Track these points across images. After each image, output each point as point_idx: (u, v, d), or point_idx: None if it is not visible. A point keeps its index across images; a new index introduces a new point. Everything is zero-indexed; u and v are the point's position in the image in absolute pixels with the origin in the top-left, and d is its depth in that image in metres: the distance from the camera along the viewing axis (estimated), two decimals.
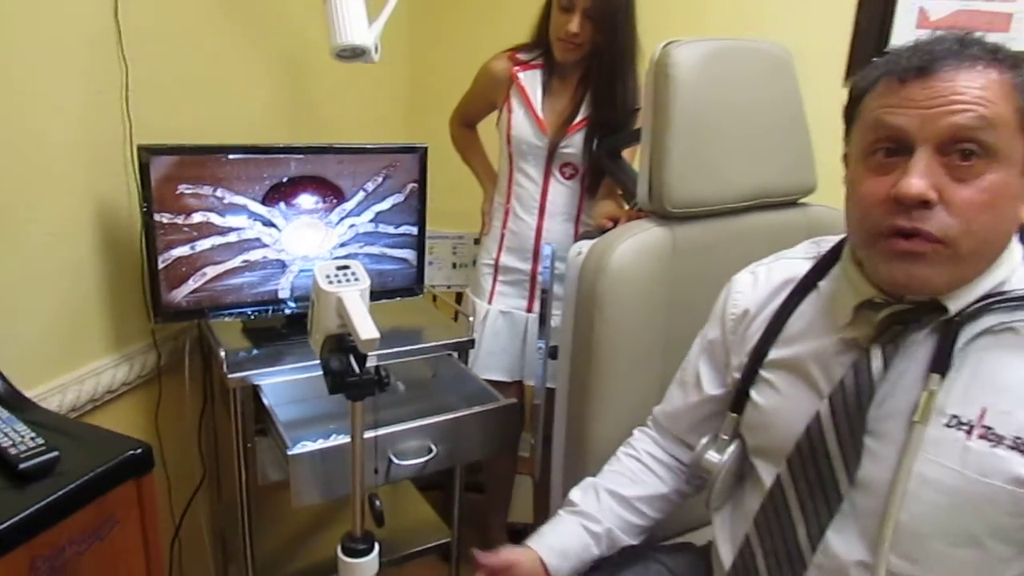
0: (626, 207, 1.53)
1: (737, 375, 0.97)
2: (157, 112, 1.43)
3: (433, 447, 1.32)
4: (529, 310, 1.79)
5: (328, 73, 1.91)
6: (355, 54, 1.28)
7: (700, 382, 1.04)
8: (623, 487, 1.07)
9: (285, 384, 1.38)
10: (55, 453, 0.84)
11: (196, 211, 1.37)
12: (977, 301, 0.79)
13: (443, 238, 2.06)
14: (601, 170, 1.67)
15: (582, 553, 1.03)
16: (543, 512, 1.66)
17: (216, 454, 1.67)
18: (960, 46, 0.75)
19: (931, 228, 0.74)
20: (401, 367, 1.56)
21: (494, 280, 1.82)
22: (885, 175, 0.77)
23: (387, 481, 1.29)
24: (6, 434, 0.86)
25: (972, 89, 0.73)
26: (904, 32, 2.06)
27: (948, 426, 0.78)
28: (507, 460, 1.98)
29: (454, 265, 2.09)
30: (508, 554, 1.01)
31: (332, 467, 1.22)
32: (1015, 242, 0.81)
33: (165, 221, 1.34)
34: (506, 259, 1.80)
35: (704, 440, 0.99)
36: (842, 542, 0.84)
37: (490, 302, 1.81)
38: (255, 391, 1.35)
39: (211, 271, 1.42)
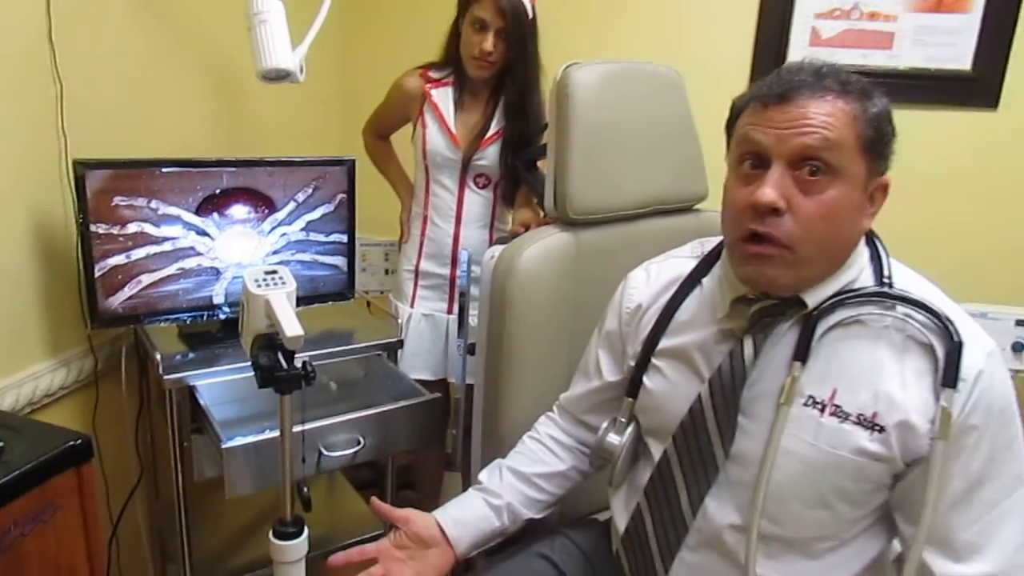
0: (542, 214, 1.65)
1: (632, 363, 1.09)
2: (92, 127, 1.49)
3: (361, 439, 1.42)
4: (449, 312, 1.90)
5: (261, 89, 1.98)
6: (280, 76, 1.37)
7: (600, 369, 1.16)
8: (524, 465, 1.18)
9: (220, 385, 1.46)
10: (0, 443, 0.92)
11: (131, 222, 1.44)
12: (831, 298, 0.92)
13: (375, 245, 2.16)
14: (515, 179, 1.79)
15: (481, 523, 1.13)
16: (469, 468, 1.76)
17: (153, 455, 1.73)
18: (815, 78, 0.88)
19: (779, 233, 0.87)
20: (334, 368, 1.65)
21: (415, 285, 1.92)
22: (748, 185, 0.90)
23: (317, 471, 1.38)
24: None
25: (820, 115, 0.86)
26: (799, 50, 2.24)
27: (806, 405, 0.91)
28: (434, 456, 2.09)
29: (386, 271, 2.19)
30: (407, 511, 1.11)
31: (264, 459, 1.31)
32: (862, 246, 0.96)
33: (101, 232, 1.41)
34: (426, 265, 1.90)
35: (604, 424, 1.11)
36: (718, 508, 0.97)
37: (412, 306, 1.91)
38: (191, 392, 1.42)
39: (146, 279, 1.48)
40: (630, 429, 1.08)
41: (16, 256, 1.38)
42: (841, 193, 0.87)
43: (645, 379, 1.07)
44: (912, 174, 2.18)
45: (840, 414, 0.90)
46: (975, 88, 2.15)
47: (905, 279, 0.94)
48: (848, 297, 0.92)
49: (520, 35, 1.69)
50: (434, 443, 1.58)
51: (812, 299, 0.92)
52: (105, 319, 1.46)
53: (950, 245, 2.20)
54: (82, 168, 1.36)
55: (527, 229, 1.44)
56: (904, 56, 2.19)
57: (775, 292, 0.93)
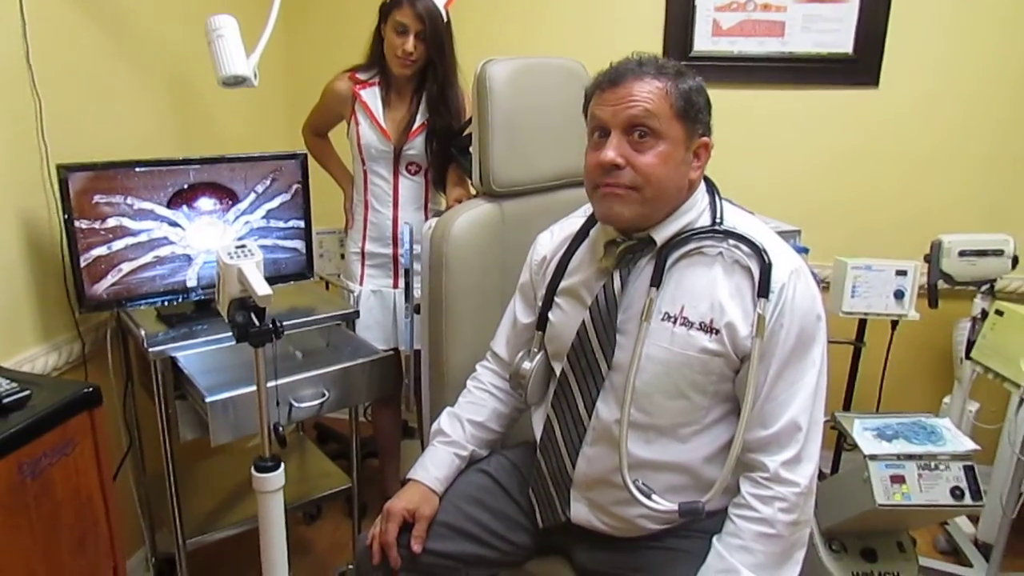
0: (472, 191, 1.89)
1: (540, 304, 1.34)
2: (69, 135, 1.68)
3: (326, 392, 1.64)
4: (395, 286, 2.12)
5: (213, 94, 2.19)
6: (237, 82, 1.57)
7: (517, 314, 1.40)
8: (477, 415, 1.41)
9: (197, 356, 1.65)
10: (28, 391, 1.12)
11: (110, 217, 1.63)
12: (675, 235, 1.18)
13: (331, 233, 2.37)
14: (442, 164, 2.02)
15: (454, 471, 1.37)
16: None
17: (138, 431, 1.91)
18: (637, 66, 1.14)
19: (623, 181, 1.12)
20: (299, 338, 1.87)
21: (362, 265, 2.14)
22: (597, 150, 1.15)
23: (290, 420, 1.59)
24: None
25: (642, 93, 1.11)
26: (703, 40, 2.52)
27: (662, 320, 1.16)
28: (390, 420, 2.32)
29: (342, 256, 2.39)
30: (407, 504, 1.29)
31: (241, 412, 1.52)
32: (703, 193, 1.21)
33: (84, 227, 1.60)
34: (370, 246, 2.12)
35: (520, 355, 1.35)
36: (606, 408, 1.21)
37: (361, 283, 2.13)
38: (173, 362, 1.62)
39: (126, 267, 1.68)
40: (539, 355, 1.32)
41: (7, 254, 1.57)
42: (665, 149, 1.12)
43: (550, 315, 1.31)
44: (806, 147, 2.51)
45: (687, 323, 1.15)
46: (858, 69, 2.45)
47: (735, 218, 1.20)
48: (689, 234, 1.17)
49: (437, 36, 1.93)
50: (388, 395, 1.80)
51: (660, 237, 1.18)
52: (92, 304, 1.65)
53: (838, 209, 2.50)
54: (65, 171, 1.55)
55: (460, 203, 1.67)
56: (795, 42, 2.47)
57: (624, 226, 1.18)
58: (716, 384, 1.16)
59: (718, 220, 1.18)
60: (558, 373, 1.28)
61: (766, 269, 1.12)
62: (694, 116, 1.14)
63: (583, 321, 1.22)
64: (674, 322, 1.16)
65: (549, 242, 1.37)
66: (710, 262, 1.17)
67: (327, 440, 2.73)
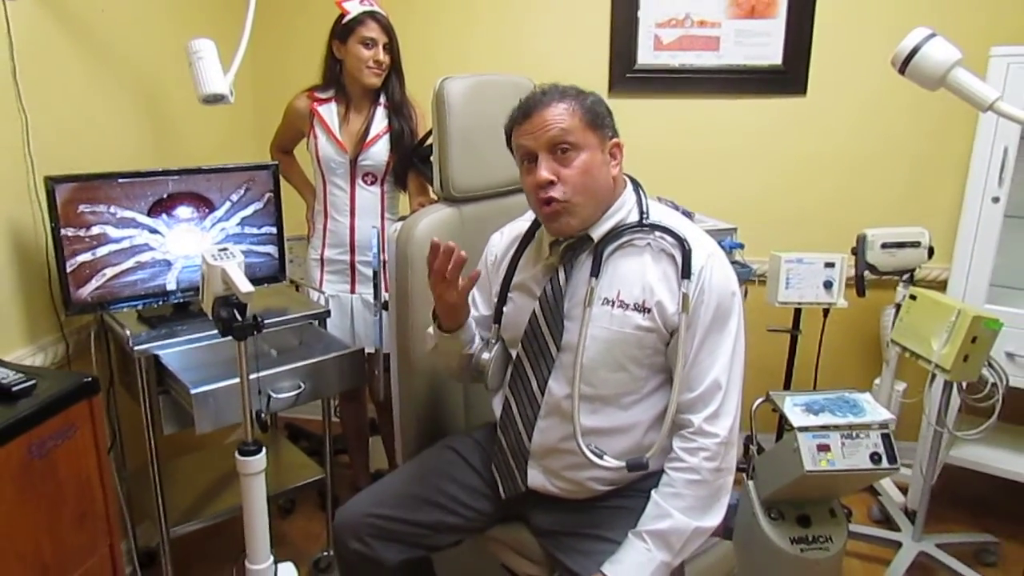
0: (434, 197, 2.03)
1: (495, 299, 1.49)
2: (53, 149, 1.78)
3: (302, 384, 1.77)
4: (352, 292, 2.26)
5: (188, 110, 2.32)
6: (216, 99, 1.70)
7: (476, 304, 1.55)
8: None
9: (178, 354, 1.77)
10: (33, 381, 1.24)
11: (94, 225, 1.74)
12: (609, 232, 1.34)
13: (300, 240, 2.49)
14: (402, 168, 2.18)
15: (472, 330, 1.46)
16: (389, 431, 2.10)
17: (119, 427, 2.01)
18: (542, 95, 1.31)
19: (556, 195, 1.29)
20: (273, 338, 1.99)
21: (322, 271, 2.28)
22: (531, 174, 1.32)
23: (268, 410, 1.71)
24: None
25: (553, 116, 1.28)
26: (646, 54, 2.70)
27: (602, 304, 1.33)
28: (357, 415, 2.46)
29: None
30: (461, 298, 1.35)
31: (223, 402, 1.64)
32: (630, 193, 1.38)
33: (70, 234, 1.71)
34: (329, 253, 2.26)
35: (478, 346, 1.49)
36: (556, 385, 1.37)
37: (320, 288, 2.26)
38: (156, 360, 1.74)
39: (110, 271, 1.79)
40: (497, 346, 1.47)
41: None
42: (586, 157, 1.29)
43: (504, 308, 1.47)
44: (741, 151, 2.71)
45: (623, 305, 1.32)
46: (786, 79, 2.66)
47: (659, 213, 1.37)
48: (620, 229, 1.34)
49: (396, 45, 2.12)
50: (357, 386, 1.98)
51: (596, 234, 1.35)
52: (77, 307, 1.76)
53: (773, 207, 2.71)
54: (52, 183, 1.66)
55: (423, 207, 1.82)
56: (728, 55, 2.68)
57: (571, 234, 1.35)
58: (651, 357, 1.33)
59: (645, 216, 1.35)
60: (514, 358, 1.43)
61: (687, 255, 1.29)
62: (601, 123, 1.31)
63: (533, 311, 1.38)
64: (612, 305, 1.32)
65: (499, 243, 1.53)
66: (640, 252, 1.34)
67: (298, 439, 2.84)
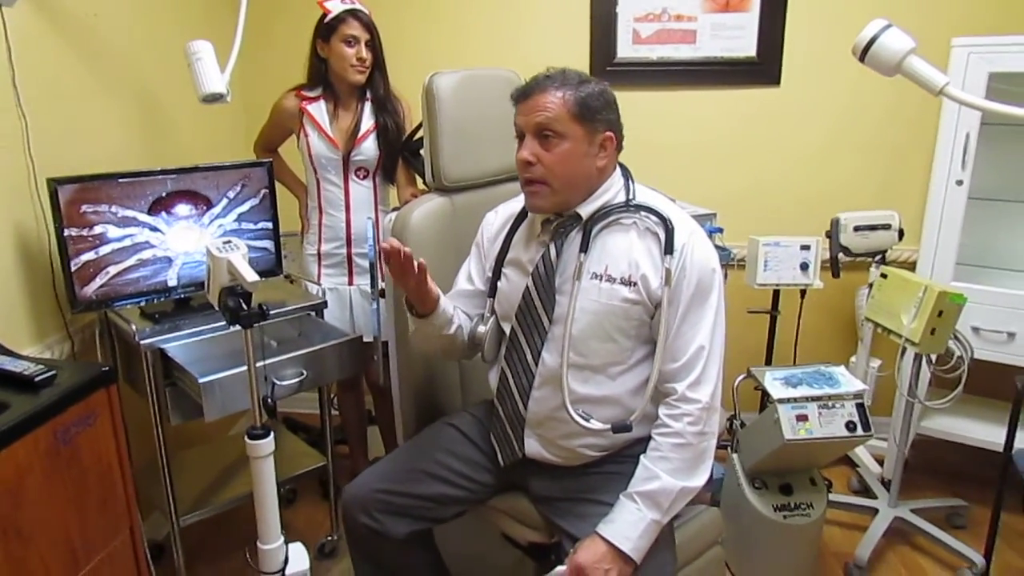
0: (423, 189, 2.11)
1: (490, 273, 1.57)
2: (53, 151, 1.83)
3: (304, 371, 1.84)
4: (350, 283, 2.33)
5: (181, 111, 2.38)
6: (216, 98, 1.76)
7: (471, 276, 1.63)
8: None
9: (182, 347, 1.83)
10: (54, 372, 1.30)
11: (96, 224, 1.79)
12: (597, 211, 1.42)
13: (294, 235, 2.55)
14: (393, 160, 2.25)
15: (448, 311, 1.51)
16: (386, 419, 2.18)
17: (125, 423, 2.06)
18: (546, 80, 1.38)
19: (535, 176, 1.38)
20: (273, 329, 2.05)
21: (319, 265, 2.34)
22: (519, 151, 1.40)
23: (274, 396, 1.78)
24: (16, 366, 1.31)
25: (545, 102, 1.36)
26: (625, 47, 2.79)
27: (591, 279, 1.41)
28: (355, 405, 2.53)
29: None
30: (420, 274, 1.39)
31: (228, 391, 1.71)
32: (618, 176, 1.46)
33: (74, 234, 1.76)
34: (326, 247, 2.32)
35: (474, 320, 1.58)
36: (549, 356, 1.45)
37: (318, 282, 2.33)
38: (162, 353, 1.80)
39: (113, 269, 1.84)
40: (492, 319, 1.56)
41: (2, 262, 1.72)
42: (567, 147, 1.37)
43: (499, 283, 1.55)
44: (719, 140, 2.80)
45: (611, 279, 1.40)
46: (761, 70, 2.76)
47: (644, 195, 1.45)
48: (608, 209, 1.43)
49: (378, 42, 2.19)
50: (356, 373, 2.07)
51: (584, 212, 1.43)
52: (82, 305, 1.81)
53: (750, 194, 2.81)
54: (55, 184, 1.71)
55: (415, 197, 1.90)
56: (705, 48, 2.77)
57: (546, 212, 1.44)
58: (637, 328, 1.42)
59: (631, 198, 1.44)
60: (508, 332, 1.51)
61: (670, 233, 1.38)
62: (591, 116, 1.37)
63: (526, 286, 1.47)
64: (600, 279, 1.41)
65: (494, 220, 1.61)
66: (626, 230, 1.42)
67: (296, 431, 2.90)
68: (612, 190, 1.45)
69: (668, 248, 1.38)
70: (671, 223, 1.39)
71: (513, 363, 1.50)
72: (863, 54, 1.28)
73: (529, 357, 1.47)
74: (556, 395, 1.43)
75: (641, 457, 1.39)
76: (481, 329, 1.55)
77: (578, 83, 1.38)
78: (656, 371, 1.38)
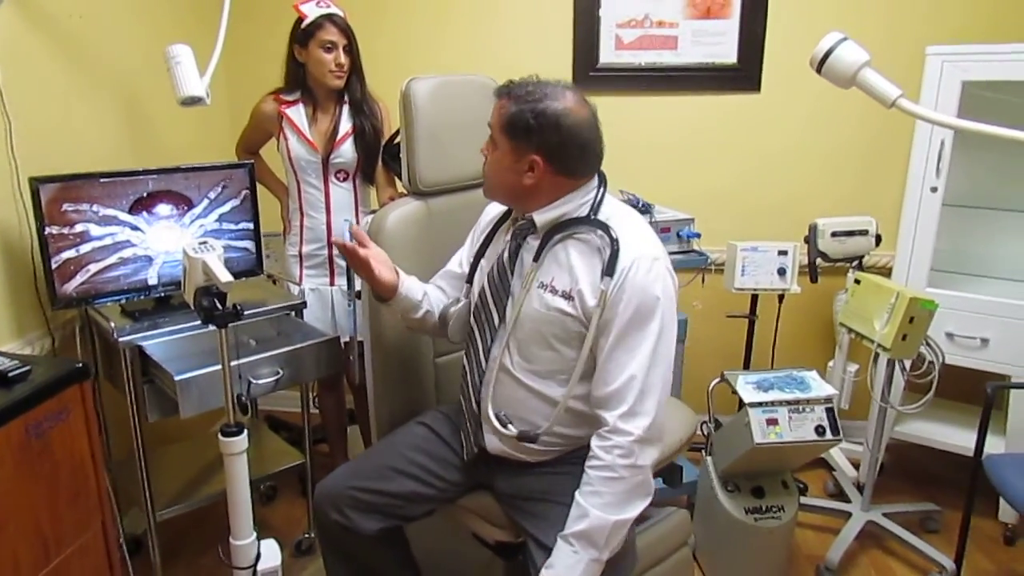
0: (402, 190, 2.13)
1: (472, 261, 1.62)
2: (36, 151, 1.86)
3: (280, 370, 1.86)
4: (331, 284, 2.36)
5: (164, 111, 2.40)
6: (194, 101, 1.79)
7: (462, 262, 1.67)
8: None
9: (161, 345, 1.86)
10: (28, 367, 1.33)
11: (78, 223, 1.82)
12: (555, 221, 1.44)
13: (277, 236, 2.58)
14: (370, 165, 2.28)
15: (417, 288, 1.59)
16: (366, 417, 2.21)
17: (104, 421, 2.09)
18: (507, 86, 1.41)
19: (483, 169, 1.48)
20: (252, 329, 2.08)
21: (301, 266, 2.37)
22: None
23: (249, 395, 1.81)
24: None
25: (496, 107, 1.41)
26: (607, 53, 2.82)
27: (538, 288, 1.44)
28: (335, 404, 2.55)
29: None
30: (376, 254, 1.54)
31: (205, 388, 1.73)
32: (586, 190, 1.45)
33: (54, 232, 1.78)
34: (307, 248, 2.35)
35: (447, 301, 1.61)
36: (497, 351, 1.49)
37: (300, 283, 2.36)
38: (140, 351, 1.82)
39: (94, 267, 1.87)
40: (463, 302, 1.59)
41: None
42: (496, 155, 1.44)
43: (475, 274, 1.60)
44: (700, 145, 2.84)
45: (553, 291, 1.42)
46: (741, 77, 2.79)
47: (611, 211, 1.44)
48: (565, 222, 1.44)
49: (355, 46, 2.21)
50: (334, 372, 2.08)
51: (539, 220, 1.45)
52: (63, 302, 1.83)
53: (730, 199, 2.84)
54: (36, 183, 1.73)
55: (392, 200, 1.92)
56: (686, 54, 2.80)
57: (497, 200, 1.55)
58: (573, 339, 1.42)
59: (592, 212, 1.43)
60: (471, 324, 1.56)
61: (614, 254, 1.37)
62: (520, 135, 1.37)
63: (483, 282, 1.52)
64: (544, 289, 1.43)
65: (490, 212, 1.67)
66: (578, 244, 1.43)
67: (278, 430, 2.92)
68: (574, 203, 1.44)
69: (608, 269, 1.36)
70: (618, 245, 1.37)
71: (470, 358, 1.55)
72: (820, 66, 1.31)
73: (481, 353, 1.52)
74: (506, 381, 1.48)
75: (576, 493, 1.37)
76: (452, 310, 1.59)
77: (527, 99, 1.37)
78: (571, 388, 1.42)
